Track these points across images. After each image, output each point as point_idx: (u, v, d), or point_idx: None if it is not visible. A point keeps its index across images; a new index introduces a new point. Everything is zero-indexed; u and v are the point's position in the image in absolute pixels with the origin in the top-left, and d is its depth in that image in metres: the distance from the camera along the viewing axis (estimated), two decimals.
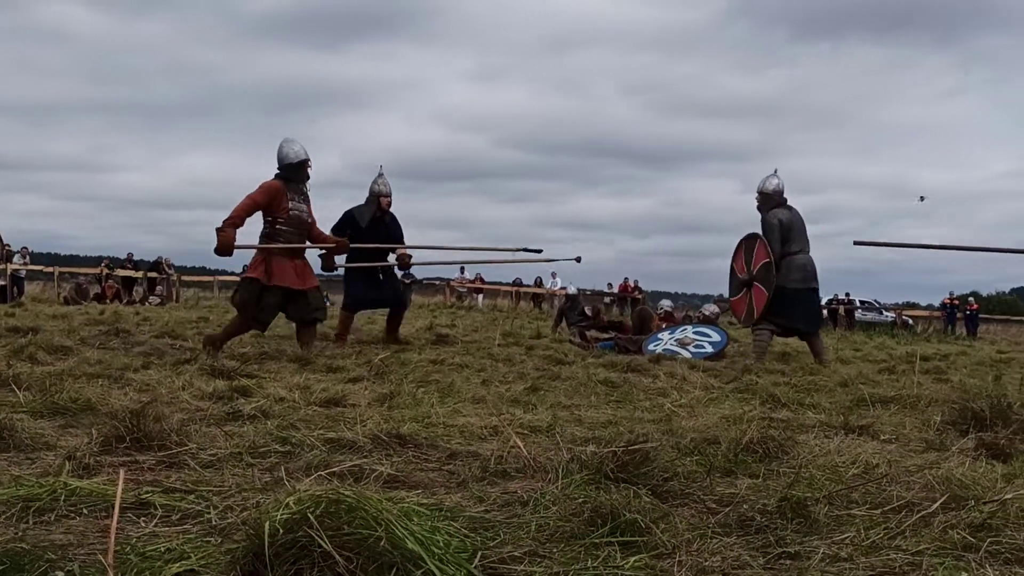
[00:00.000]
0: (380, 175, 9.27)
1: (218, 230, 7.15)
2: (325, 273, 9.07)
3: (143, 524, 2.14)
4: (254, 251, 7.51)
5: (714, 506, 2.48)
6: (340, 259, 8.84)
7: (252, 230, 7.61)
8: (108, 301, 20.67)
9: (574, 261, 9.90)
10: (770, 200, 8.38)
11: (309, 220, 7.72)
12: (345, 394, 4.70)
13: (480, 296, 31.24)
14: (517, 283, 32.81)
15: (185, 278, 29.65)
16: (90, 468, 2.67)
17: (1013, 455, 3.22)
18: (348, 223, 8.99)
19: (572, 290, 16.54)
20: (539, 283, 31.33)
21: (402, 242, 9.19)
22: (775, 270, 8.20)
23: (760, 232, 8.42)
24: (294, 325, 7.89)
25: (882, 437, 3.75)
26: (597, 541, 2.06)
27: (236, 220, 7.17)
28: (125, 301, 21.69)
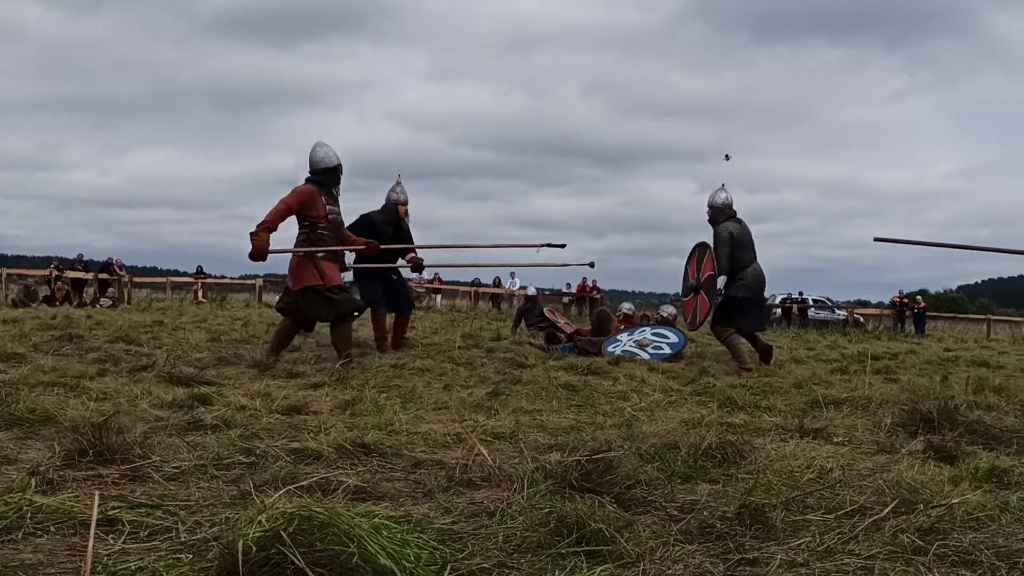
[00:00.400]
0: (398, 183, 9.23)
1: (252, 234, 7.02)
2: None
3: (112, 541, 2.14)
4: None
5: (676, 513, 2.54)
6: (348, 259, 8.73)
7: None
8: (58, 303, 20.27)
9: (588, 266, 9.85)
10: (721, 213, 8.68)
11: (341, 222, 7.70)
12: (307, 401, 4.71)
13: (438, 296, 31.19)
14: (476, 283, 32.81)
15: (137, 279, 29.21)
16: (54, 484, 2.65)
17: (959, 457, 3.33)
18: (365, 226, 8.80)
19: (531, 291, 16.57)
20: (497, 283, 31.37)
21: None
22: (728, 281, 8.53)
23: (712, 243, 8.71)
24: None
25: (835, 440, 3.86)
26: (563, 551, 2.12)
27: (270, 224, 7.07)
28: (76, 303, 21.30)
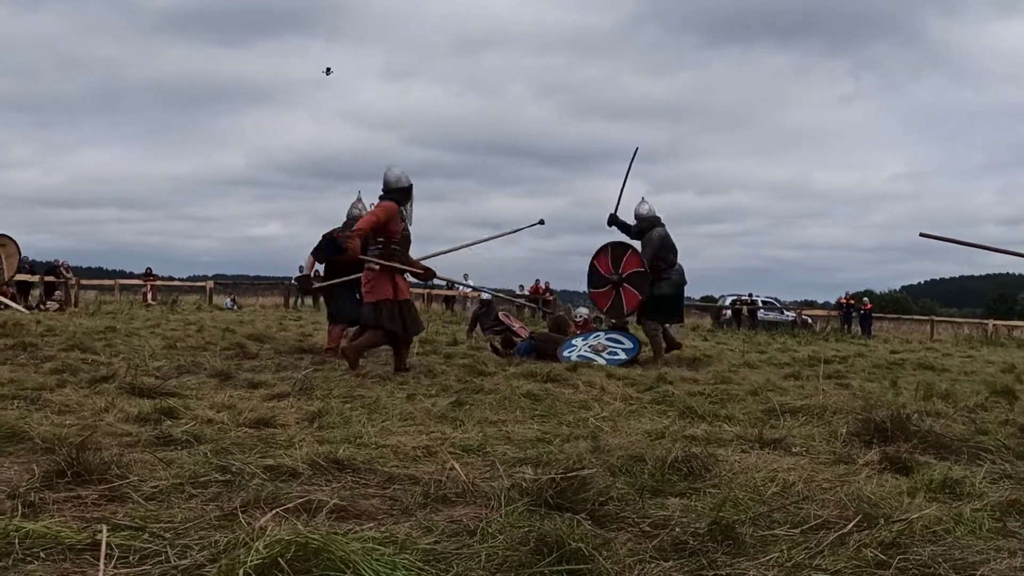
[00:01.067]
0: (359, 199, 9.75)
1: (347, 238, 7.78)
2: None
3: (102, 566, 2.17)
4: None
5: (649, 529, 2.64)
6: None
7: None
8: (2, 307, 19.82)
9: (538, 224, 10.33)
10: (648, 222, 10.00)
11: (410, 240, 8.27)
12: (273, 413, 4.73)
13: None
14: (428, 285, 32.76)
15: (84, 281, 28.66)
16: (35, 507, 2.66)
17: (914, 468, 3.49)
18: (330, 245, 9.32)
19: (486, 295, 16.64)
20: (450, 286, 31.33)
21: None
22: (656, 280, 9.87)
23: (639, 244, 9.98)
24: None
25: (794, 450, 4.01)
26: (545, 571, 2.20)
27: (362, 233, 7.62)
28: (22, 306, 20.84)
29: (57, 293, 23.20)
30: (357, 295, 8.87)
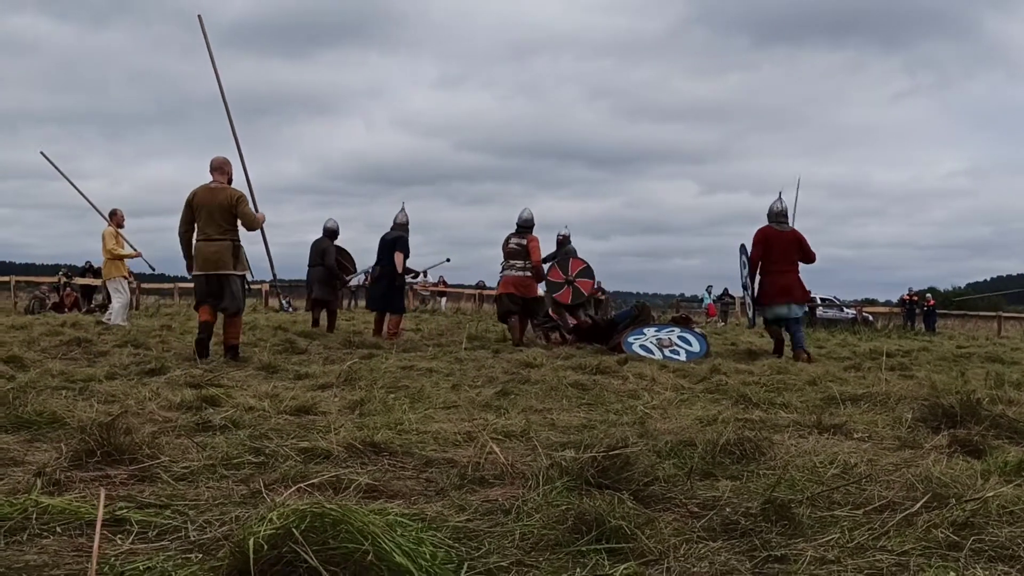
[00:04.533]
0: (402, 209, 11.73)
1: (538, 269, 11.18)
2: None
3: (119, 541, 2.08)
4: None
5: (697, 510, 2.47)
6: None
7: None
8: (67, 310, 20.26)
9: (445, 262, 12.99)
10: (566, 240, 13.07)
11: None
12: (315, 402, 4.64)
13: (443, 299, 31.13)
14: (480, 286, 32.73)
15: (144, 285, 29.17)
16: (61, 484, 2.59)
17: (987, 451, 3.25)
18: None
19: (539, 292, 16.51)
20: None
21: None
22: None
23: (569, 255, 12.51)
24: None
25: (856, 435, 3.78)
26: (584, 549, 2.05)
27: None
28: (84, 310, 21.28)
29: None
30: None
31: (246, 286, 8.39)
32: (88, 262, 26.47)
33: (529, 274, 10.90)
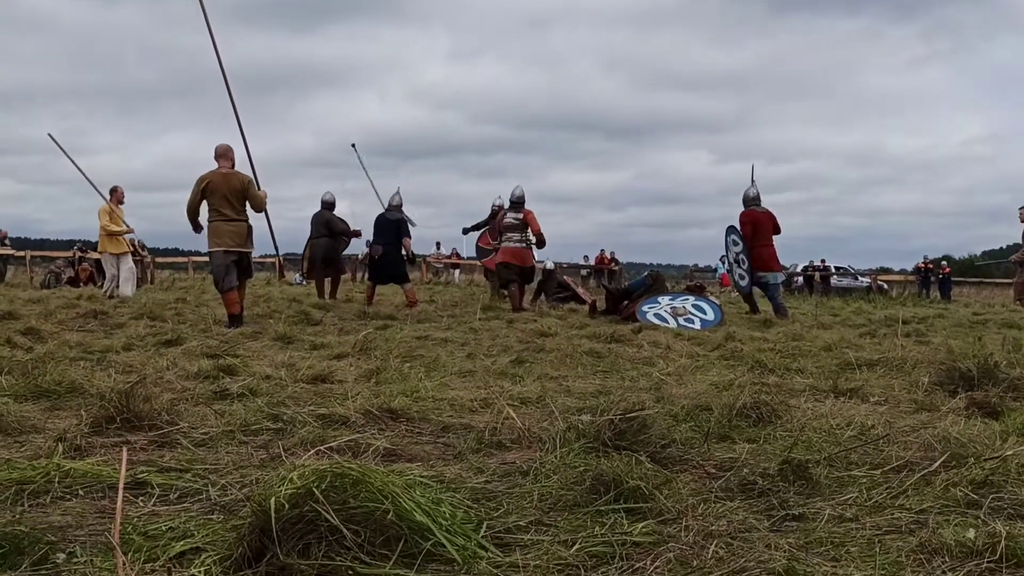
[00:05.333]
0: (398, 192, 12.55)
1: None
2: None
3: (142, 503, 2.10)
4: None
5: (714, 471, 2.48)
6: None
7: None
8: (83, 284, 20.37)
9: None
10: (500, 209, 13.40)
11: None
12: (331, 371, 4.66)
13: (457, 271, 31.14)
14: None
15: (159, 260, 29.32)
16: (82, 449, 2.62)
17: (1005, 412, 3.24)
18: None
19: (549, 265, 16.55)
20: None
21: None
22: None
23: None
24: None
25: (872, 399, 3.78)
26: (602, 508, 2.06)
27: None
28: (99, 284, 21.40)
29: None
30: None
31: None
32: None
33: (524, 245, 11.75)
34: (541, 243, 11.84)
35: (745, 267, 11.35)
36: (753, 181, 11.73)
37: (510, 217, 11.90)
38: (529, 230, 11.69)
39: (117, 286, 13.24)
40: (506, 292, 12.13)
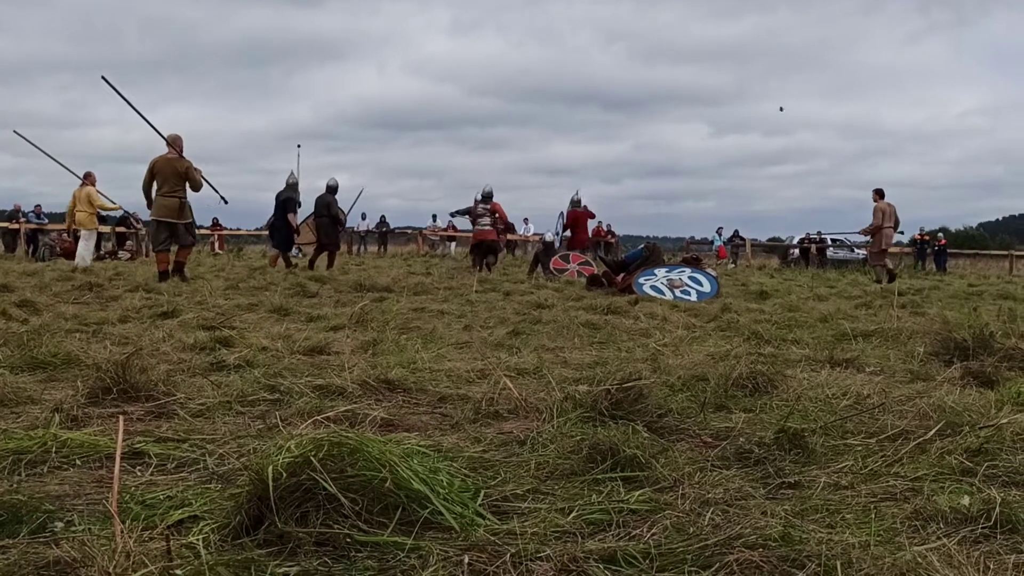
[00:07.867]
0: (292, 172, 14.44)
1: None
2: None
3: (139, 473, 2.11)
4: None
5: (711, 440, 2.49)
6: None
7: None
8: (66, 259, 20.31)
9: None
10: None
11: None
12: (328, 342, 4.66)
13: (453, 244, 31.08)
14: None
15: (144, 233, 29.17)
16: (79, 420, 2.62)
17: (999, 382, 3.25)
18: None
19: (549, 237, 16.53)
20: (512, 230, 31.15)
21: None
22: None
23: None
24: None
25: (868, 369, 3.79)
26: (599, 477, 2.06)
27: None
28: (95, 256, 21.34)
29: (128, 243, 23.68)
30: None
31: (193, 229, 11.96)
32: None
33: (492, 226, 15.26)
34: (509, 229, 15.49)
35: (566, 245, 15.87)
36: (577, 192, 16.92)
37: (481, 208, 15.27)
38: (497, 216, 15.23)
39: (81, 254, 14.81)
40: (484, 265, 14.91)
